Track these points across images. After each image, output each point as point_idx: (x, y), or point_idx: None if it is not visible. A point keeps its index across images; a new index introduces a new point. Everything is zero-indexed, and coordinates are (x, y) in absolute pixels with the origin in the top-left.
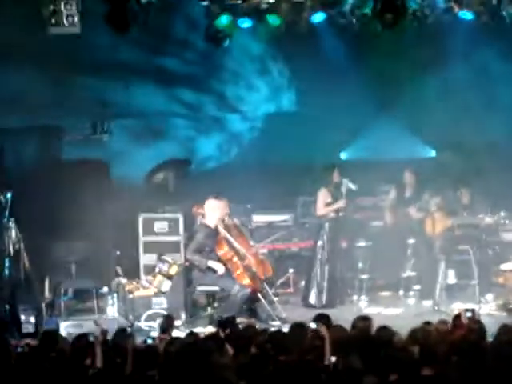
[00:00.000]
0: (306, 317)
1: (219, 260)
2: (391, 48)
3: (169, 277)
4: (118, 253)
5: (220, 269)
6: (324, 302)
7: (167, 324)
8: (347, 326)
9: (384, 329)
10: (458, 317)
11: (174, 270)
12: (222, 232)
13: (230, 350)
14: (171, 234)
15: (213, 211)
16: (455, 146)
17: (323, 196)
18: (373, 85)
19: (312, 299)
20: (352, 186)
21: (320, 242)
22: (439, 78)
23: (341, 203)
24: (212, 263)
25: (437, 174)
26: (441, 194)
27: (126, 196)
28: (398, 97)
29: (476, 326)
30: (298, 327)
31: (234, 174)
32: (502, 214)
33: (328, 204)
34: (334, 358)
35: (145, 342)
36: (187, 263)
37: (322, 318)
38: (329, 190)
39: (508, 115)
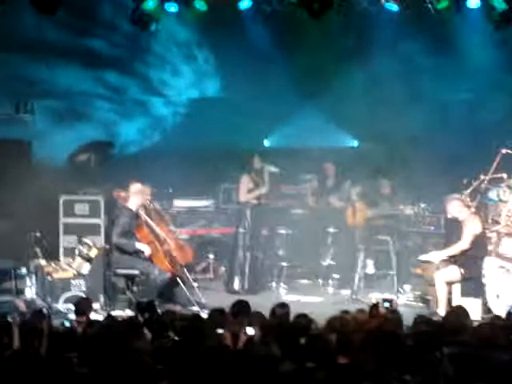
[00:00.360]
0: (226, 302)
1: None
2: (317, 38)
3: (88, 259)
4: (38, 234)
5: (147, 250)
6: (247, 288)
7: (85, 306)
8: (266, 313)
9: (302, 316)
10: (375, 306)
11: (93, 253)
12: (143, 216)
13: (148, 334)
14: (92, 216)
15: (136, 195)
16: (378, 136)
17: (245, 182)
18: (298, 74)
19: (236, 285)
20: (274, 169)
21: (241, 229)
22: (364, 69)
23: (263, 190)
24: (139, 245)
25: (358, 164)
26: (361, 184)
27: (48, 177)
28: (322, 86)
29: (393, 316)
30: (217, 313)
31: (156, 158)
32: (422, 205)
33: (250, 190)
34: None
35: (62, 324)
36: (107, 246)
37: (241, 305)
38: (251, 176)
39: (431, 109)
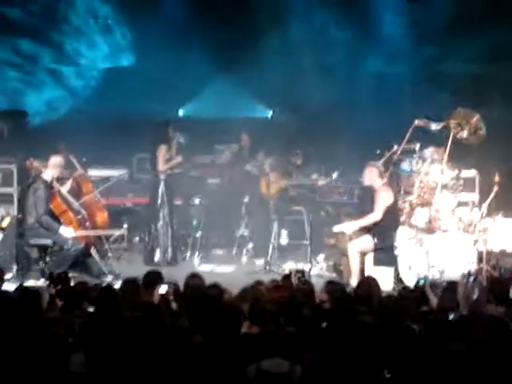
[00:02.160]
0: (139, 272)
1: (52, 213)
2: (231, 8)
3: (1, 229)
4: None
5: (70, 233)
6: (169, 261)
7: None
8: (180, 283)
9: (214, 287)
10: (287, 277)
11: (5, 223)
12: (56, 186)
13: (59, 304)
14: (5, 185)
15: (54, 168)
16: (291, 107)
17: (163, 152)
18: (213, 44)
19: (156, 257)
20: (181, 140)
21: (159, 200)
22: (279, 39)
23: (179, 159)
24: (63, 229)
25: (272, 134)
26: (275, 154)
27: None
28: (237, 57)
29: (304, 287)
30: (130, 283)
31: (70, 128)
32: (334, 176)
33: (168, 160)
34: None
35: None
36: (20, 215)
37: (154, 275)
38: (168, 146)
39: (344, 81)
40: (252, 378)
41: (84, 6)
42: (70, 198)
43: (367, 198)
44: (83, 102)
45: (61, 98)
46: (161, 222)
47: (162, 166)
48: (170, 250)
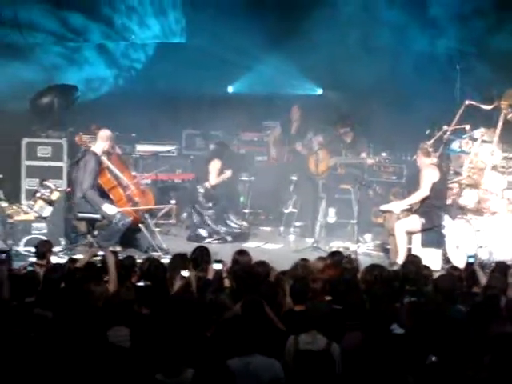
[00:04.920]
0: (187, 248)
1: (101, 188)
2: None
3: (50, 202)
4: (1, 176)
5: (113, 211)
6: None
7: (45, 249)
8: (228, 259)
9: (262, 264)
10: (334, 254)
11: (55, 196)
12: (105, 162)
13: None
14: (54, 159)
15: (103, 141)
16: (341, 85)
17: (217, 166)
18: (264, 21)
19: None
20: None
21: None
22: (329, 15)
23: (229, 173)
24: (106, 207)
25: (322, 112)
26: (325, 132)
27: (9, 119)
28: (288, 34)
29: (351, 266)
30: (179, 257)
31: (119, 103)
32: (384, 154)
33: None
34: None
35: (25, 268)
36: (69, 189)
37: (201, 251)
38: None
39: (393, 58)
40: (291, 353)
41: None
42: (119, 174)
43: (416, 178)
44: (135, 77)
45: (114, 72)
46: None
47: (213, 180)
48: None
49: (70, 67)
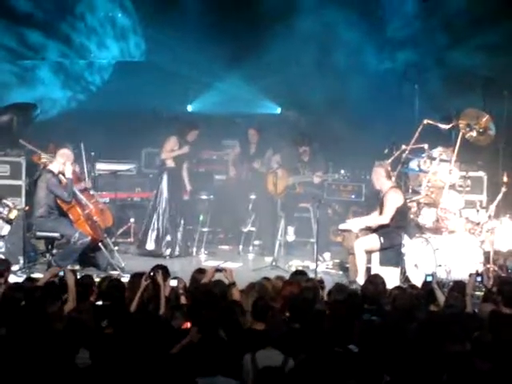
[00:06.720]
0: (145, 266)
1: (60, 208)
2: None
3: (8, 221)
4: None
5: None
6: (177, 253)
7: (3, 268)
8: (186, 278)
9: (219, 283)
10: (296, 274)
11: (13, 215)
12: (64, 180)
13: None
14: (13, 177)
15: (61, 159)
16: (300, 104)
17: (171, 143)
18: (224, 40)
19: (148, 246)
20: None
21: (154, 191)
22: (289, 33)
23: (185, 149)
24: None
25: (280, 131)
26: (283, 151)
27: None
28: (247, 53)
29: (310, 284)
30: (138, 277)
31: (78, 121)
32: (342, 172)
33: (172, 150)
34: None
35: None
36: (27, 208)
37: (161, 269)
38: (178, 141)
39: (352, 78)
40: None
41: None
42: (78, 193)
43: (375, 197)
44: (94, 96)
45: (73, 90)
46: (156, 212)
47: (164, 154)
48: (178, 244)
49: (20, 87)
